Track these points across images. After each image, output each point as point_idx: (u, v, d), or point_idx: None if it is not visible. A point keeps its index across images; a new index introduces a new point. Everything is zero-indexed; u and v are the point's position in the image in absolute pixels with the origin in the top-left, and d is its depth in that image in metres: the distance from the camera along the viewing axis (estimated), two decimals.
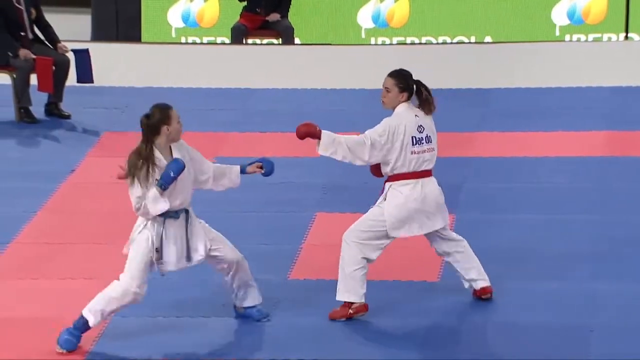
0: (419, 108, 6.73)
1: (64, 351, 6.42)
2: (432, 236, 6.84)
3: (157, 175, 6.33)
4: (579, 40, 12.33)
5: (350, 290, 6.69)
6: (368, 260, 6.72)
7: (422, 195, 6.67)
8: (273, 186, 8.65)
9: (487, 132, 9.62)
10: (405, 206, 6.67)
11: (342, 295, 6.71)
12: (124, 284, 6.42)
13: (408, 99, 6.71)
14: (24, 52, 9.82)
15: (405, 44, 12.27)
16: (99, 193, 8.52)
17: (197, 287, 6.99)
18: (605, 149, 9.21)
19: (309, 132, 6.68)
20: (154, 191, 6.34)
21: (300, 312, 6.86)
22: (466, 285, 6.92)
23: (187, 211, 6.49)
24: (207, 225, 6.63)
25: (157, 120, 6.38)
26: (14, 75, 9.89)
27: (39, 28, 10.04)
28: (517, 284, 7.21)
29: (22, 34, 9.90)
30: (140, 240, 6.42)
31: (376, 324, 6.78)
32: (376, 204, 6.75)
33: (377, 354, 6.51)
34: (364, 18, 12.44)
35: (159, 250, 6.40)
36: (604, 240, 7.73)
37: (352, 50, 11.77)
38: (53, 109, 10.03)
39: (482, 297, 6.92)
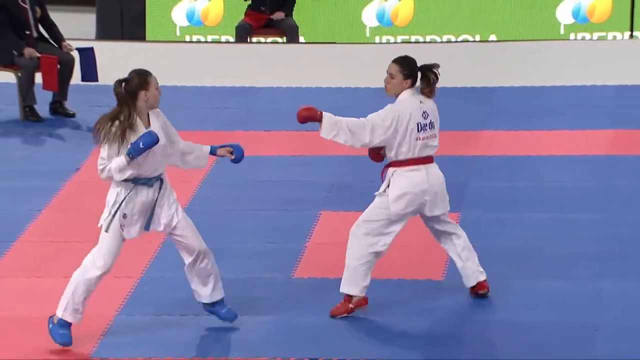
0: (422, 92, 6.68)
1: (63, 345, 6.40)
2: (433, 224, 6.80)
3: (133, 140, 6.25)
4: (583, 38, 12.32)
5: (352, 283, 6.67)
6: (377, 254, 6.69)
7: (427, 180, 6.66)
8: (278, 184, 8.66)
9: (492, 131, 9.61)
10: (410, 191, 6.64)
11: (344, 288, 6.70)
12: (95, 263, 6.34)
13: (412, 85, 6.68)
14: (28, 51, 9.83)
15: (410, 42, 12.26)
16: (104, 191, 8.49)
17: None
18: (610, 148, 9.20)
19: (310, 116, 6.65)
20: (121, 158, 6.26)
21: (305, 311, 6.86)
22: (465, 279, 6.85)
23: (162, 181, 6.42)
24: (181, 207, 6.49)
25: (135, 85, 6.31)
26: (19, 74, 9.90)
27: (43, 27, 10.05)
28: (522, 282, 7.20)
29: (27, 32, 9.91)
30: (116, 219, 6.33)
31: (381, 323, 6.78)
32: (379, 192, 6.71)
33: (381, 352, 6.51)
34: (369, 16, 12.44)
35: (126, 216, 6.31)
36: (609, 239, 7.72)
37: (357, 48, 11.77)
38: (58, 108, 10.04)
39: (479, 292, 6.88)
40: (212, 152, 6.60)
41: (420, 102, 6.69)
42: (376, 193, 6.73)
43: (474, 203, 8.32)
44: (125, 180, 6.35)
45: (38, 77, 9.89)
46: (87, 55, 9.87)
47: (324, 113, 6.65)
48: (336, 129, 6.61)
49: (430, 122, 6.68)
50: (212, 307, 6.63)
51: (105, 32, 12.49)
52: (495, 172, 8.87)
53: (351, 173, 8.70)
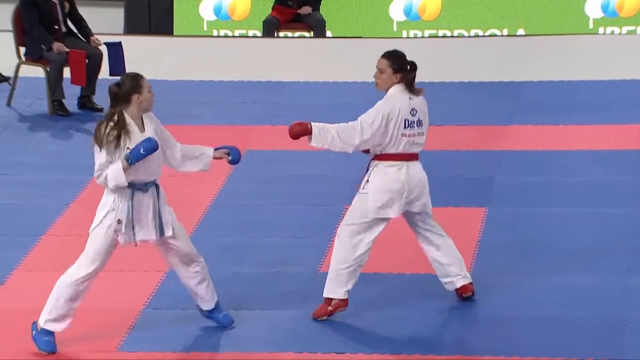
0: (408, 89, 6.58)
1: (51, 352, 6.37)
2: (414, 224, 6.72)
3: (130, 144, 6.24)
4: (612, 33, 12.24)
5: (334, 286, 6.63)
6: (360, 259, 6.62)
7: (407, 177, 6.58)
8: (304, 179, 8.66)
9: (520, 125, 9.57)
10: (389, 187, 6.57)
11: (326, 291, 6.65)
12: (81, 267, 6.31)
13: (402, 80, 6.59)
14: (57, 46, 9.87)
15: (437, 37, 12.23)
16: None
17: (227, 280, 7.00)
18: (639, 142, 9.15)
19: (302, 131, 6.59)
20: (118, 164, 6.23)
21: None
22: (445, 284, 6.76)
23: (157, 186, 6.40)
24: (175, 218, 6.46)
25: (128, 88, 6.30)
26: (48, 69, 9.94)
27: (72, 21, 10.09)
28: (550, 277, 7.18)
29: (56, 27, 9.95)
30: (105, 222, 6.31)
31: (406, 318, 6.77)
32: (359, 190, 6.64)
33: (409, 348, 6.51)
34: (396, 11, 12.41)
35: (121, 222, 6.28)
36: (638, 234, 7.67)
37: (384, 43, 11.69)
38: (86, 102, 10.08)
39: (463, 295, 6.79)
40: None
41: (410, 98, 6.59)
42: (358, 191, 6.64)
43: (501, 198, 8.29)
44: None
45: (66, 72, 9.94)
46: (115, 50, 9.89)
47: (312, 124, 6.58)
48: (324, 138, 6.54)
49: (419, 119, 6.60)
50: (210, 313, 6.61)
51: (133, 26, 12.53)
52: (523, 167, 8.83)
53: None
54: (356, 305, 6.78)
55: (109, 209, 6.32)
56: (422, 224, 6.72)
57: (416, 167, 6.64)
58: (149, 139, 6.27)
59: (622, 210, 8.04)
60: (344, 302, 6.65)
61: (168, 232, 6.38)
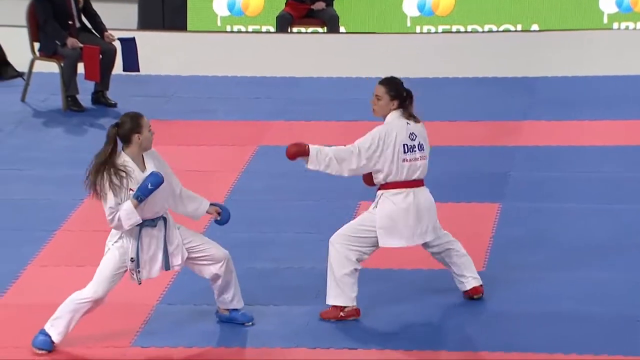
0: (405, 116, 6.58)
1: (44, 351, 6.37)
2: (427, 247, 6.74)
3: (132, 185, 6.22)
4: (627, 28, 12.19)
5: (340, 294, 6.61)
6: (357, 266, 6.61)
7: (414, 205, 6.58)
8: (317, 175, 8.65)
9: (534, 121, 9.55)
10: (396, 216, 6.57)
11: (332, 300, 6.63)
12: (88, 293, 6.35)
13: (399, 106, 6.60)
14: (71, 41, 9.88)
15: (451, 32, 12.21)
16: None
17: (240, 276, 6.99)
18: None
19: (300, 152, 6.60)
20: (128, 204, 6.21)
21: None
22: (457, 283, 6.79)
23: (165, 219, 6.38)
24: (186, 229, 6.44)
25: (128, 129, 6.27)
26: (62, 64, 9.96)
27: (86, 17, 10.10)
28: (563, 273, 7.16)
29: (70, 23, 9.97)
30: (114, 250, 6.34)
31: (424, 313, 6.76)
32: (368, 210, 6.66)
33: (425, 343, 6.50)
34: (410, 6, 12.39)
35: (133, 260, 6.30)
36: None
37: (398, 38, 11.72)
38: (100, 98, 10.09)
39: (473, 296, 6.81)
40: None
41: (407, 123, 6.59)
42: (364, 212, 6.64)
43: (515, 193, 8.27)
44: None
45: (80, 67, 9.95)
46: (129, 46, 9.91)
47: (310, 146, 6.60)
48: (321, 161, 6.56)
49: (419, 144, 6.59)
50: (229, 314, 6.62)
51: (147, 22, 12.54)
52: (537, 162, 8.81)
53: None
54: (368, 301, 6.78)
55: (118, 237, 6.35)
56: (434, 245, 6.72)
57: (423, 193, 6.64)
58: (154, 174, 6.25)
59: (637, 207, 8.01)
60: (356, 311, 6.66)
61: (174, 263, 6.39)
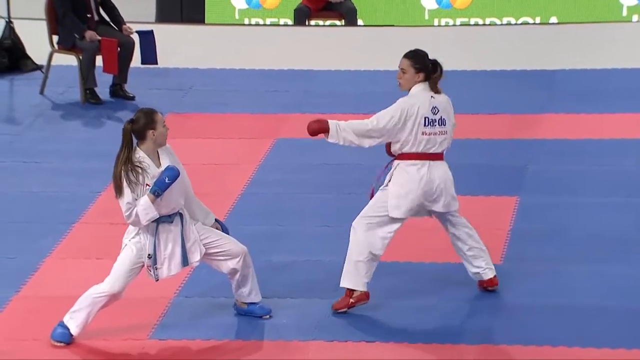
0: (431, 87, 6.56)
1: (63, 343, 6.40)
2: (442, 219, 6.71)
3: (149, 181, 6.24)
4: None
5: (353, 278, 6.60)
6: (375, 256, 6.61)
7: (427, 177, 6.55)
8: (334, 168, 8.65)
9: (553, 114, 9.52)
10: (408, 186, 6.56)
11: (344, 282, 6.62)
12: (106, 288, 6.37)
13: (425, 79, 6.58)
14: (89, 34, 9.90)
15: (469, 25, 12.17)
16: None
17: (258, 269, 7.00)
18: None
19: (321, 128, 6.59)
20: (145, 199, 6.24)
21: None
22: (472, 274, 6.76)
23: (181, 215, 6.38)
24: (202, 225, 6.45)
25: (142, 125, 6.29)
26: (80, 57, 9.98)
27: (104, 10, 10.11)
28: (582, 267, 7.14)
29: (88, 15, 9.98)
30: (131, 246, 6.35)
31: (441, 307, 6.75)
32: (382, 187, 6.64)
33: (443, 337, 6.49)
34: None
35: (151, 256, 6.31)
36: None
37: (415, 31, 11.69)
38: (118, 91, 10.11)
39: (488, 288, 6.78)
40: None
41: (432, 97, 6.57)
42: (380, 188, 6.64)
43: (534, 187, 8.25)
44: None
45: (99, 60, 9.97)
46: (147, 38, 9.91)
47: (330, 121, 6.59)
48: (341, 134, 6.56)
49: (441, 118, 6.57)
50: (247, 308, 6.62)
51: (165, 15, 12.55)
52: (556, 155, 8.78)
53: None
54: (384, 294, 6.78)
55: (135, 234, 6.36)
56: (449, 221, 6.71)
57: (440, 167, 6.61)
58: (170, 167, 6.26)
59: None
60: (365, 295, 6.64)
61: (193, 260, 6.40)
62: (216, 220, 6.58)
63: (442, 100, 6.61)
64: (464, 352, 6.37)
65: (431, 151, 6.56)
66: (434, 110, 6.55)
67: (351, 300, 6.64)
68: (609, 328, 6.51)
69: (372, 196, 6.71)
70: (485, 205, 7.93)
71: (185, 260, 6.39)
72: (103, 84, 10.05)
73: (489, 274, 6.78)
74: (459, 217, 6.73)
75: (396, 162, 6.63)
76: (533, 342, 6.43)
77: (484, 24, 12.18)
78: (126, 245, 6.40)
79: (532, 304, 6.79)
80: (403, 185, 6.56)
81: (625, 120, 9.36)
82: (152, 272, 6.39)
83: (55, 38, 10.10)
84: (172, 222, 6.34)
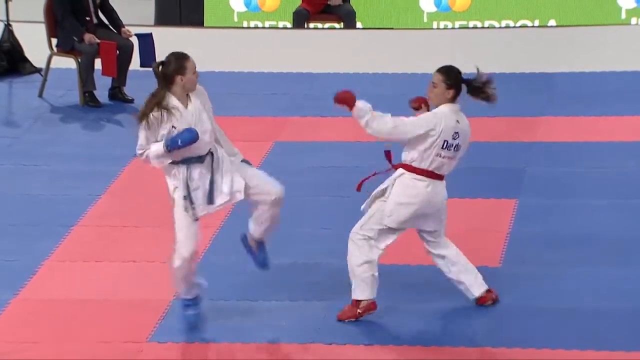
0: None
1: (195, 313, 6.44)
2: (426, 239, 6.69)
3: (175, 123, 6.24)
4: None
5: (361, 289, 6.58)
6: (373, 264, 6.58)
7: (429, 196, 6.54)
8: (334, 170, 8.65)
9: (551, 117, 9.52)
10: (411, 199, 6.54)
11: (354, 294, 6.60)
12: (178, 253, 6.36)
13: (454, 97, 6.56)
14: (88, 37, 9.91)
15: (468, 28, 12.18)
16: (163, 176, 8.57)
17: (257, 271, 7.00)
18: None
19: (347, 99, 6.57)
20: (159, 146, 6.28)
21: None
22: (465, 292, 6.70)
23: (212, 154, 6.38)
24: (243, 163, 6.45)
25: (172, 69, 6.31)
26: (79, 60, 9.98)
27: (103, 13, 10.12)
28: (582, 269, 7.14)
29: (87, 18, 9.99)
30: (178, 201, 6.35)
31: (435, 309, 6.75)
32: (380, 198, 6.60)
33: (440, 339, 6.49)
34: (426, 2, 12.36)
35: (186, 197, 6.29)
36: None
37: (414, 34, 11.70)
38: (117, 93, 10.11)
39: (484, 304, 6.72)
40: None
41: (457, 121, 6.56)
42: (374, 193, 6.60)
43: (533, 189, 8.25)
44: (175, 163, 6.34)
45: (97, 63, 9.97)
46: (146, 41, 9.91)
47: (360, 102, 6.58)
48: (367, 113, 6.53)
49: (457, 144, 6.56)
50: (256, 245, 6.57)
51: (163, 17, 12.56)
52: (555, 158, 8.79)
53: None
54: (385, 298, 6.78)
55: (174, 186, 6.36)
56: (433, 242, 6.66)
57: (439, 187, 6.60)
58: (189, 130, 6.28)
59: None
60: (373, 305, 6.64)
61: (219, 201, 6.34)
62: (244, 160, 6.52)
63: (464, 127, 6.59)
64: (462, 354, 6.37)
65: (439, 172, 6.57)
66: (455, 135, 6.54)
67: (358, 310, 6.62)
68: (608, 330, 6.51)
69: (359, 188, 6.63)
70: (484, 208, 7.93)
71: (211, 199, 6.32)
72: (102, 86, 10.05)
73: (477, 291, 6.65)
74: (444, 240, 6.68)
75: (401, 171, 6.61)
76: (532, 344, 6.43)
77: (483, 27, 12.19)
78: (174, 202, 6.33)
79: (531, 307, 6.78)
80: (406, 196, 6.55)
81: (623, 122, 9.37)
82: (190, 213, 6.34)
83: (54, 41, 10.10)
84: (202, 162, 6.33)
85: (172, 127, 6.27)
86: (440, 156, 6.53)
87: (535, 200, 8.08)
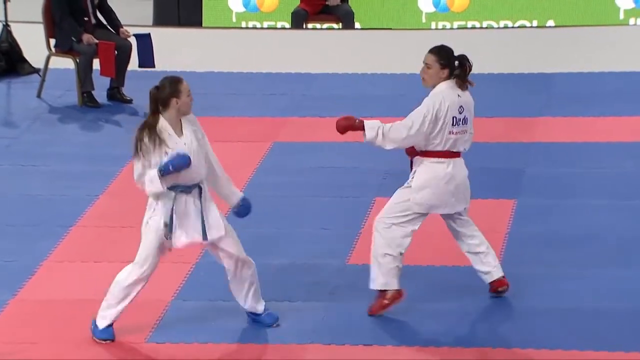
0: (458, 84, 6.52)
1: (104, 341, 6.43)
2: (450, 219, 6.70)
3: (167, 149, 6.26)
4: None
5: (383, 278, 6.58)
6: (399, 254, 6.59)
7: (451, 175, 6.55)
8: (332, 171, 8.65)
9: (550, 117, 9.52)
10: (434, 182, 6.55)
11: (376, 284, 6.60)
12: (132, 267, 6.36)
13: (449, 76, 6.53)
14: (87, 37, 9.90)
15: (467, 28, 12.18)
16: None
17: (258, 272, 7.00)
18: None
19: (350, 126, 6.57)
20: (153, 172, 6.28)
21: (359, 297, 6.84)
22: (482, 274, 6.73)
23: (200, 188, 6.39)
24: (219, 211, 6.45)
25: (167, 93, 6.31)
26: (77, 60, 9.98)
27: (101, 13, 10.12)
28: (581, 270, 7.14)
29: (86, 19, 9.98)
30: (152, 225, 6.35)
31: (435, 309, 6.76)
32: (405, 184, 6.63)
33: (438, 339, 6.49)
34: (425, 2, 12.37)
35: (167, 225, 6.31)
36: None
37: (413, 34, 11.70)
38: (115, 94, 10.11)
39: (498, 289, 6.75)
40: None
41: (458, 95, 6.54)
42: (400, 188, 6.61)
43: (532, 189, 8.25)
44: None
45: (96, 63, 9.97)
46: (145, 42, 9.91)
47: (364, 120, 6.55)
48: (380, 131, 6.50)
49: (465, 117, 6.55)
50: (256, 316, 6.61)
51: (162, 18, 12.55)
52: (553, 158, 8.79)
53: (405, 160, 8.64)
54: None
55: (153, 210, 6.37)
56: (459, 220, 6.70)
57: (459, 165, 6.62)
58: (181, 156, 6.28)
59: None
60: (399, 294, 6.61)
61: (213, 236, 6.38)
62: (242, 199, 6.49)
63: (466, 99, 6.57)
64: (461, 354, 6.37)
65: (455, 150, 6.56)
66: (460, 109, 6.52)
67: (385, 300, 6.60)
68: (608, 330, 6.51)
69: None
70: (483, 208, 7.93)
71: (204, 235, 6.35)
72: (100, 87, 10.05)
73: (499, 273, 6.73)
74: (467, 217, 6.72)
75: (419, 158, 6.60)
76: (531, 344, 6.43)
77: (481, 27, 12.19)
78: (147, 223, 6.36)
79: (530, 307, 6.78)
80: (428, 181, 6.54)
81: (622, 123, 9.37)
82: (168, 241, 6.34)
83: (52, 41, 10.09)
84: (189, 192, 6.34)
85: (165, 152, 6.28)
86: (452, 133, 6.52)
87: (534, 200, 8.08)
